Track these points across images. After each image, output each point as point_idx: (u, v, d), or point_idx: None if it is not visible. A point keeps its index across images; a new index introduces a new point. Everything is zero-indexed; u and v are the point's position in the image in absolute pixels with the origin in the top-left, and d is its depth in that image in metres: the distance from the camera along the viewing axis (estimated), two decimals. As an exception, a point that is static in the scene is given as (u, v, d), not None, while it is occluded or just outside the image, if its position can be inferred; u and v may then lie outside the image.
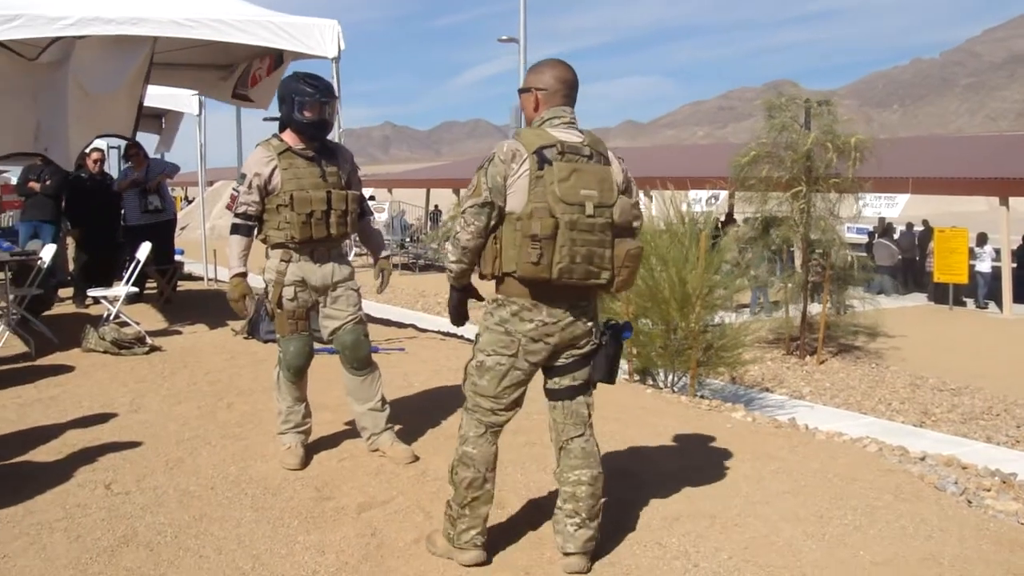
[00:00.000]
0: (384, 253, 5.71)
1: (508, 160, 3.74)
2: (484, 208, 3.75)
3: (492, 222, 3.78)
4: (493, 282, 3.92)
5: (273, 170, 5.12)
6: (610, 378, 4.05)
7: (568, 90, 3.93)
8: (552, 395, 4.02)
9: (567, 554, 3.95)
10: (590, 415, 4.03)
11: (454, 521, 3.97)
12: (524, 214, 3.70)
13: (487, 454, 3.94)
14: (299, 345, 5.27)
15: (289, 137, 5.24)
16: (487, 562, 4.00)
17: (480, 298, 4.09)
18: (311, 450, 5.43)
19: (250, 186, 5.13)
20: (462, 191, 4.23)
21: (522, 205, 3.71)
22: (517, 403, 3.97)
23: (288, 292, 5.19)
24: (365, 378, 5.33)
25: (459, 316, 4.08)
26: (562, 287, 3.76)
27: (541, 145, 3.74)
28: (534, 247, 3.65)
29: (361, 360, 5.32)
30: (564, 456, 4.00)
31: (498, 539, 4.16)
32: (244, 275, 5.25)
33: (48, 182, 11.43)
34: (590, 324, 3.92)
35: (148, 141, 13.47)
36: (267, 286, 5.27)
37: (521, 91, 4.00)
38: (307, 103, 5.10)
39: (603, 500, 4.02)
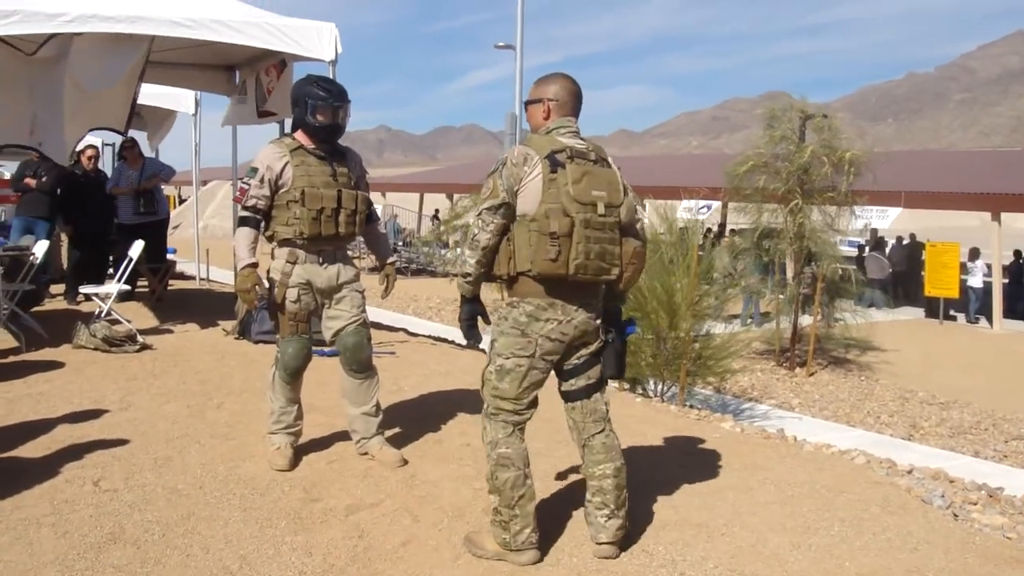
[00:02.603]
0: (391, 259, 5.71)
1: (520, 164, 3.95)
2: (500, 208, 3.95)
3: (510, 208, 3.97)
4: (505, 286, 4.13)
5: (285, 166, 5.13)
6: (620, 373, 4.25)
7: (576, 101, 4.17)
8: (569, 397, 4.21)
9: (599, 543, 4.15)
10: (607, 411, 4.23)
11: (507, 525, 4.05)
12: (539, 214, 3.89)
13: (521, 451, 4.07)
14: (298, 347, 5.26)
15: (301, 137, 5.25)
16: (541, 560, 4.10)
17: (487, 320, 4.21)
18: (300, 452, 5.42)
19: (261, 180, 5.13)
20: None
21: (535, 206, 3.91)
22: (535, 403, 4.12)
23: (292, 294, 5.18)
24: (363, 382, 5.32)
25: (471, 332, 4.18)
26: (575, 284, 3.97)
27: (552, 150, 3.95)
28: (552, 244, 3.86)
29: (361, 363, 5.31)
30: (588, 452, 4.20)
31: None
32: (255, 265, 5.18)
33: (44, 179, 11.41)
34: (598, 321, 4.14)
35: (141, 139, 13.44)
36: (272, 286, 5.25)
37: (530, 102, 4.20)
38: (319, 107, 5.13)
39: (626, 490, 4.19)
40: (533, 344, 4.00)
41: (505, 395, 4.05)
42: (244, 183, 5.19)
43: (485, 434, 4.12)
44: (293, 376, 5.30)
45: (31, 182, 11.47)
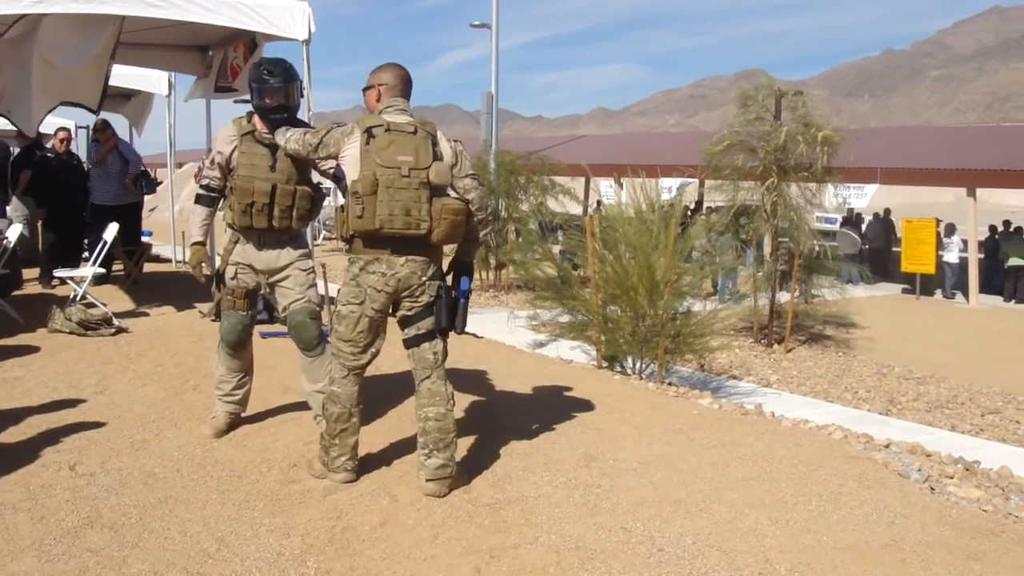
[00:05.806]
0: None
1: (347, 134, 4.56)
2: (317, 135, 4.67)
3: (315, 153, 4.69)
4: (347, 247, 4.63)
5: (233, 150, 5.27)
6: (451, 326, 4.64)
7: (404, 85, 4.73)
8: (406, 344, 4.67)
9: (423, 480, 4.57)
10: (436, 360, 4.64)
11: (327, 449, 4.69)
12: (355, 180, 4.42)
13: (351, 393, 4.64)
14: (233, 322, 5.42)
15: (257, 122, 5.34)
16: (355, 481, 4.68)
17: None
18: (279, 433, 5.44)
19: (212, 161, 5.32)
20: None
21: (356, 173, 4.43)
22: (371, 347, 4.65)
23: (230, 271, 5.38)
24: (314, 359, 5.42)
25: None
26: (396, 240, 4.44)
27: (370, 125, 4.50)
28: (358, 203, 4.38)
29: (306, 341, 5.42)
30: (417, 396, 4.68)
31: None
32: (203, 243, 5.51)
33: None
34: (425, 279, 4.55)
35: (117, 122, 13.29)
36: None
37: (366, 88, 4.75)
38: (266, 90, 5.22)
39: (453, 435, 4.60)
40: (363, 293, 4.50)
41: (343, 337, 4.57)
42: (203, 162, 5.31)
43: (330, 372, 4.71)
44: (232, 348, 5.47)
45: None
